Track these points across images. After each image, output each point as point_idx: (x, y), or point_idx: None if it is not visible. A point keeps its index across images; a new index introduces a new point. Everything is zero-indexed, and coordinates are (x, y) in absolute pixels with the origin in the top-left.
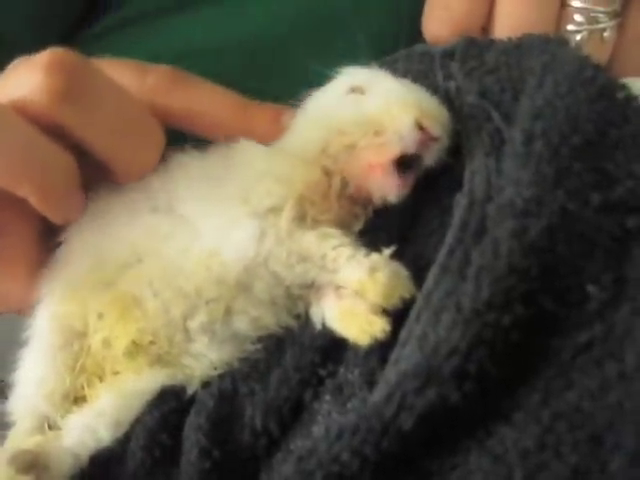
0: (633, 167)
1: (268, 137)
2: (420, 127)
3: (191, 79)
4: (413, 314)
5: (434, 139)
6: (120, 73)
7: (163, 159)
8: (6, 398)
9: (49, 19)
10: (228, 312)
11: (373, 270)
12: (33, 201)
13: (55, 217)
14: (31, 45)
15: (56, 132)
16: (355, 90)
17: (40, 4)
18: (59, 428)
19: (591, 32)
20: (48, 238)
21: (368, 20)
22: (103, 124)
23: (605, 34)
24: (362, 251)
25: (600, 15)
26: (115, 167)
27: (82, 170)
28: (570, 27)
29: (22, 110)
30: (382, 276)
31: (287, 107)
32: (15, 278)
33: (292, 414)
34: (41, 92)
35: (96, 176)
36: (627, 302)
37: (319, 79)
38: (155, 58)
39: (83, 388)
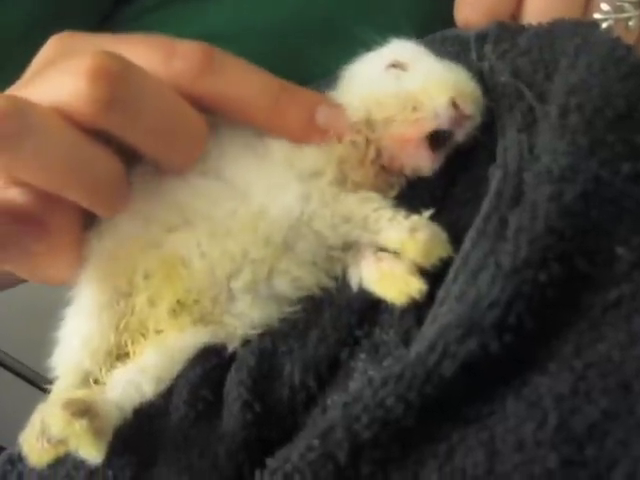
0: None
1: (298, 137)
2: (455, 105)
3: (221, 59)
4: (450, 276)
5: (467, 117)
6: (146, 55)
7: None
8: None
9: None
10: (271, 272)
11: (413, 230)
12: (83, 204)
13: (103, 214)
14: (74, 24)
15: (100, 132)
16: (397, 65)
17: None
18: (103, 383)
19: (616, 21)
20: None
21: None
22: (147, 126)
23: (630, 23)
24: (402, 213)
25: (626, 4)
26: (162, 162)
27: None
28: (597, 15)
29: (65, 115)
30: (422, 235)
31: (324, 97)
32: (63, 261)
33: (329, 371)
34: (84, 101)
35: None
36: None
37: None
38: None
39: (126, 345)
